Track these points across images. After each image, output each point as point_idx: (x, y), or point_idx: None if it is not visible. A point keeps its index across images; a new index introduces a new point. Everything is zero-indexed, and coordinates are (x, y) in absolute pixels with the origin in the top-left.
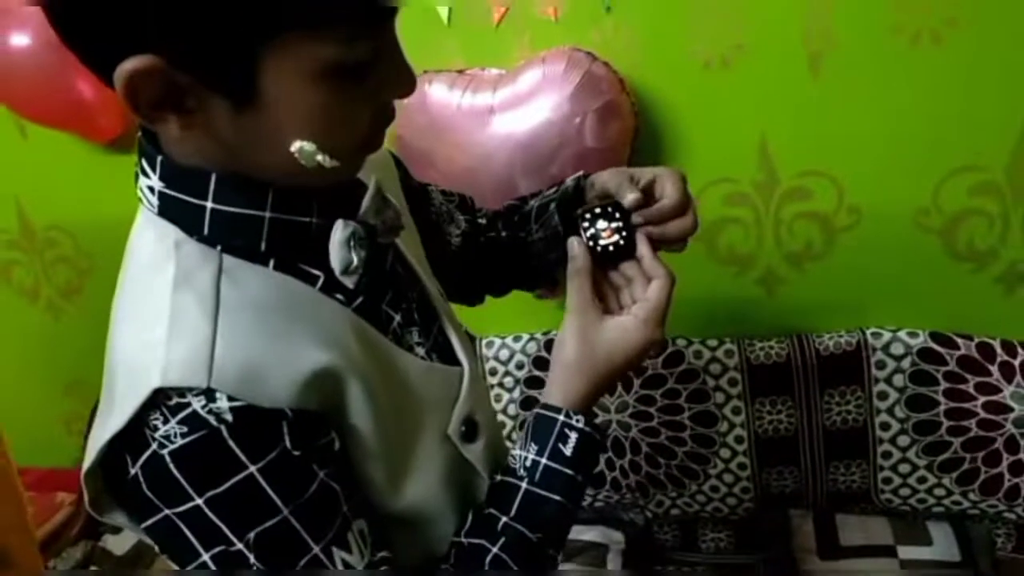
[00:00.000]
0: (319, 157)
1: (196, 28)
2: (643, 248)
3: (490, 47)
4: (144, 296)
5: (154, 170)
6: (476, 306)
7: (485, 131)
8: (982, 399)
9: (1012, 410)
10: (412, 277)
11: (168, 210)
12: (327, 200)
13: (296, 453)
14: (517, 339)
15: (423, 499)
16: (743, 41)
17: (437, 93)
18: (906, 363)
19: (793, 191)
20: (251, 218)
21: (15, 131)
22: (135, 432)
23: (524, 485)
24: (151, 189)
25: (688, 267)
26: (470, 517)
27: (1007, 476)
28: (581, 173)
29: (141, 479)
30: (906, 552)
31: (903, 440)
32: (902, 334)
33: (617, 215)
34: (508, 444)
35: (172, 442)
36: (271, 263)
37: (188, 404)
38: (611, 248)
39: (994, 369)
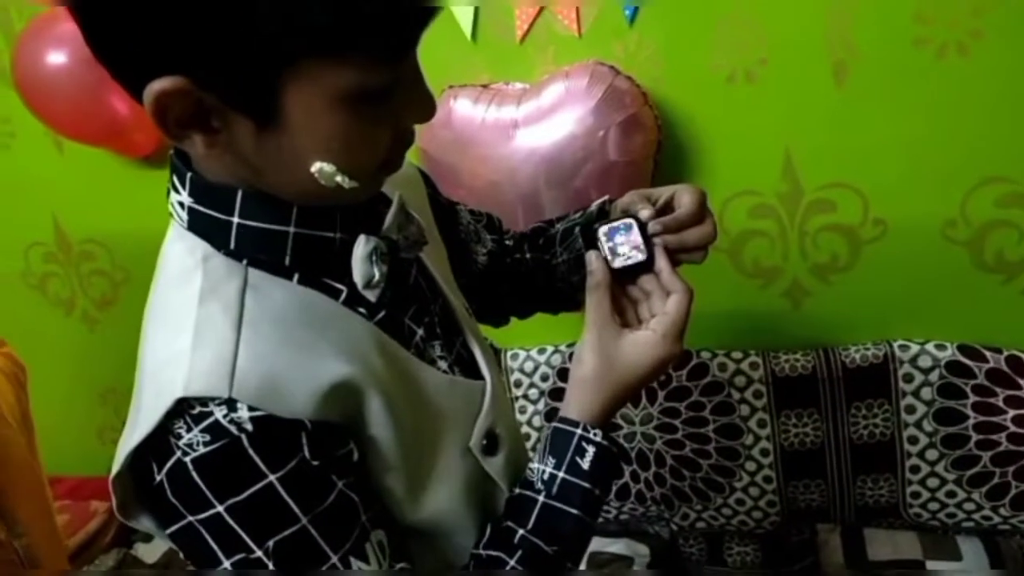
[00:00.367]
0: (338, 178)
1: (222, 51)
2: (661, 262)
3: (514, 62)
4: (172, 308)
5: (184, 186)
6: (501, 327)
7: (509, 145)
8: (1012, 412)
9: None
10: (435, 291)
11: (197, 225)
12: (351, 215)
13: (315, 463)
14: (542, 351)
15: (443, 511)
16: (766, 55)
17: (462, 108)
18: (934, 376)
19: (818, 203)
20: (276, 233)
21: (52, 147)
22: (160, 440)
23: (541, 499)
24: (181, 204)
25: (713, 279)
26: (488, 530)
27: None
28: (606, 197)
29: (166, 485)
30: (935, 567)
31: (931, 454)
32: (930, 347)
33: (635, 229)
34: (532, 456)
35: (195, 450)
36: (295, 277)
37: (210, 413)
38: (629, 262)
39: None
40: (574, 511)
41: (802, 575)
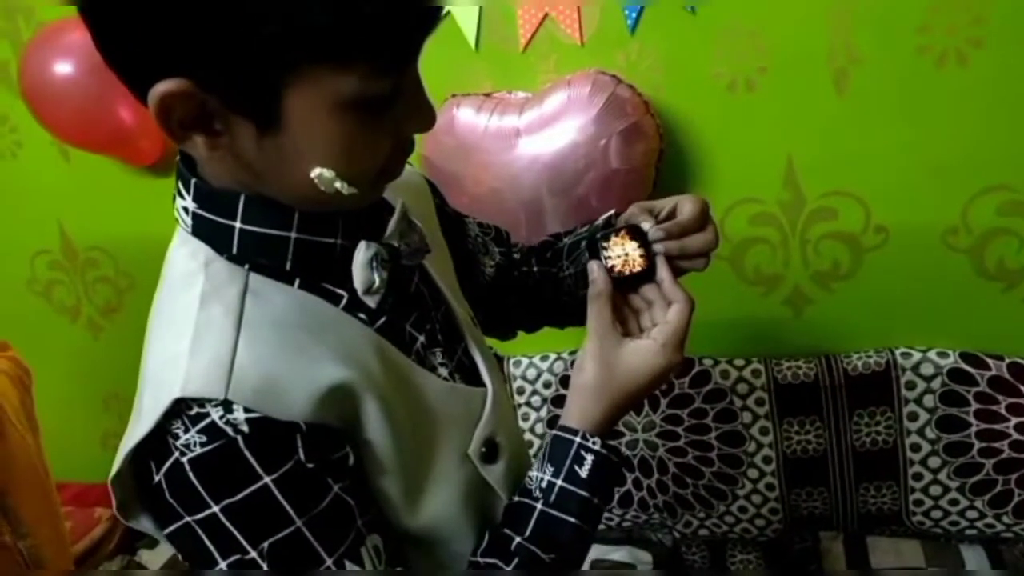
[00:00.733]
0: (337, 184)
1: (224, 54)
2: (663, 272)
3: (517, 71)
4: (173, 311)
5: (188, 192)
6: (508, 340)
7: (512, 153)
8: (1014, 420)
9: None
10: (438, 299)
11: (200, 229)
12: (352, 222)
13: (310, 465)
14: (544, 358)
15: (440, 517)
16: (767, 63)
17: (464, 116)
18: (936, 383)
19: (819, 211)
20: (277, 238)
21: (58, 156)
22: (159, 440)
23: (539, 506)
24: (185, 210)
25: (715, 287)
26: (486, 537)
27: None
28: (612, 211)
29: (164, 486)
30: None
31: (934, 462)
32: (932, 354)
33: (637, 239)
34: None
35: (192, 450)
36: (296, 282)
37: (207, 414)
38: (631, 272)
39: None
40: (572, 519)
41: None
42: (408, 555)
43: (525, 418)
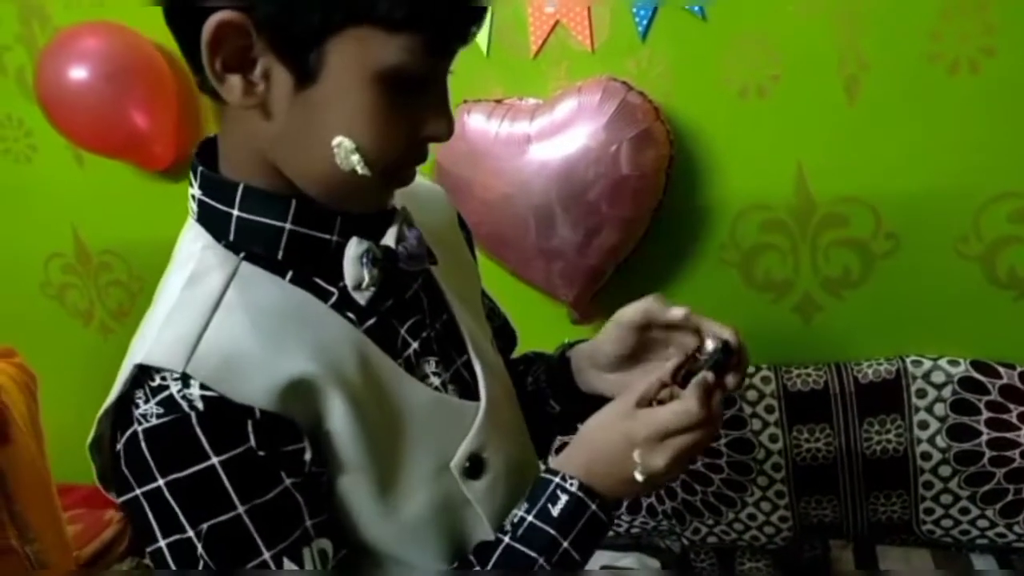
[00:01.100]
0: (354, 158)
1: None
2: (691, 387)
3: (528, 77)
4: (164, 289)
5: (196, 180)
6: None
7: (522, 159)
8: None
9: None
10: (440, 307)
11: (203, 216)
12: (350, 221)
13: (261, 453)
14: None
15: (410, 525)
16: (778, 70)
17: (475, 122)
18: (947, 392)
19: (830, 218)
20: (270, 228)
21: (72, 160)
22: (124, 409)
23: (506, 540)
24: (193, 197)
25: (724, 294)
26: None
27: None
28: (567, 341)
29: (122, 455)
30: None
31: (944, 470)
32: (943, 362)
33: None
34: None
35: (148, 421)
36: (289, 275)
37: (167, 387)
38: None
39: None
40: (534, 555)
41: None
42: (365, 570)
43: None
